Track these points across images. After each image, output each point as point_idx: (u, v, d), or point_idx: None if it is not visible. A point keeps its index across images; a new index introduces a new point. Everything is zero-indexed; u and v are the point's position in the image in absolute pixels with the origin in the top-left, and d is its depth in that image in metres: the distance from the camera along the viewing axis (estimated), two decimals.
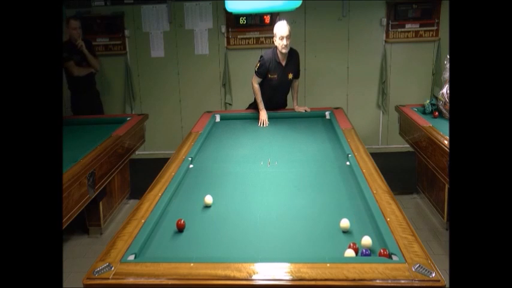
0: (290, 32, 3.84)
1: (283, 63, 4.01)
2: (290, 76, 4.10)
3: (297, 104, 4.31)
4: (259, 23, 5.24)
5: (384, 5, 5.20)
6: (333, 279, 1.58)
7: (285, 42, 3.80)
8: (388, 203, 2.16)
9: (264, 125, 3.93)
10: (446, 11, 5.07)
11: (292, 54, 4.07)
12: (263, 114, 4.00)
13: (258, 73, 4.04)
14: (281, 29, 3.80)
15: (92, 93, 4.97)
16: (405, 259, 1.67)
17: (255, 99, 4.18)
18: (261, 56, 4.06)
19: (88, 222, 3.66)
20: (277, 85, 4.10)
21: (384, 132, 5.59)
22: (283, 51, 3.88)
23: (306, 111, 4.20)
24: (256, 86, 4.07)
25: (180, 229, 2.05)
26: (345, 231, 1.98)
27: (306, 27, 5.30)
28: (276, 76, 4.02)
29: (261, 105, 4.06)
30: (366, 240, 1.81)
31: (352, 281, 1.57)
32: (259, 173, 2.78)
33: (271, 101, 4.18)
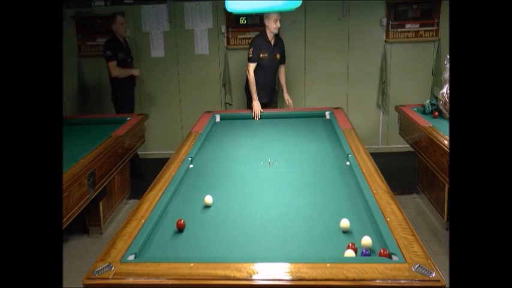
0: (281, 17, 4.38)
1: (272, 43, 4.43)
2: (278, 56, 4.51)
3: (286, 92, 4.67)
4: (259, 23, 5.22)
5: (384, 5, 5.20)
6: (333, 279, 1.58)
7: (278, 24, 4.31)
8: (388, 203, 2.16)
9: (257, 118, 4.15)
10: (446, 11, 5.06)
11: (279, 39, 4.55)
12: (256, 106, 4.22)
13: (252, 59, 4.36)
14: (276, 13, 4.26)
15: (132, 89, 5.03)
16: (405, 259, 1.67)
17: (246, 87, 4.50)
18: (251, 43, 4.43)
19: (88, 222, 3.66)
20: (268, 64, 4.44)
21: (384, 132, 5.59)
22: (275, 31, 4.37)
23: (289, 104, 4.58)
24: (253, 75, 4.35)
25: (180, 229, 2.05)
26: (345, 231, 1.98)
27: (306, 27, 5.30)
28: (266, 55, 4.40)
29: (255, 96, 4.30)
30: (366, 240, 1.81)
31: (352, 281, 1.57)
32: (259, 173, 2.78)
33: (263, 84, 4.44)
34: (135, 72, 4.90)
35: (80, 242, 3.63)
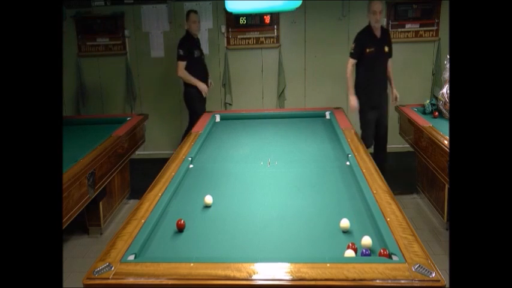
0: (382, 8, 4.26)
1: (378, 36, 4.29)
2: (386, 49, 4.35)
3: (394, 86, 4.51)
4: (259, 23, 5.24)
5: (384, 5, 5.20)
6: (333, 279, 1.58)
7: (378, 16, 4.19)
8: (388, 203, 2.16)
9: (353, 111, 4.31)
10: (446, 11, 5.07)
11: (385, 30, 4.46)
12: (354, 100, 4.30)
13: (353, 54, 4.29)
14: (375, 5, 4.18)
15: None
16: (405, 259, 1.67)
17: (356, 86, 4.37)
18: (354, 38, 4.32)
19: (88, 222, 3.66)
20: (375, 59, 4.30)
21: None
22: (376, 25, 4.23)
23: (397, 99, 4.45)
24: (350, 71, 4.31)
25: (180, 229, 2.05)
26: (345, 231, 1.98)
27: (306, 27, 5.30)
28: (373, 49, 4.26)
29: (352, 90, 4.34)
30: (366, 240, 1.81)
31: (352, 281, 1.57)
32: (259, 173, 2.78)
33: (374, 81, 4.33)
34: (201, 85, 4.76)
35: (80, 242, 3.63)
